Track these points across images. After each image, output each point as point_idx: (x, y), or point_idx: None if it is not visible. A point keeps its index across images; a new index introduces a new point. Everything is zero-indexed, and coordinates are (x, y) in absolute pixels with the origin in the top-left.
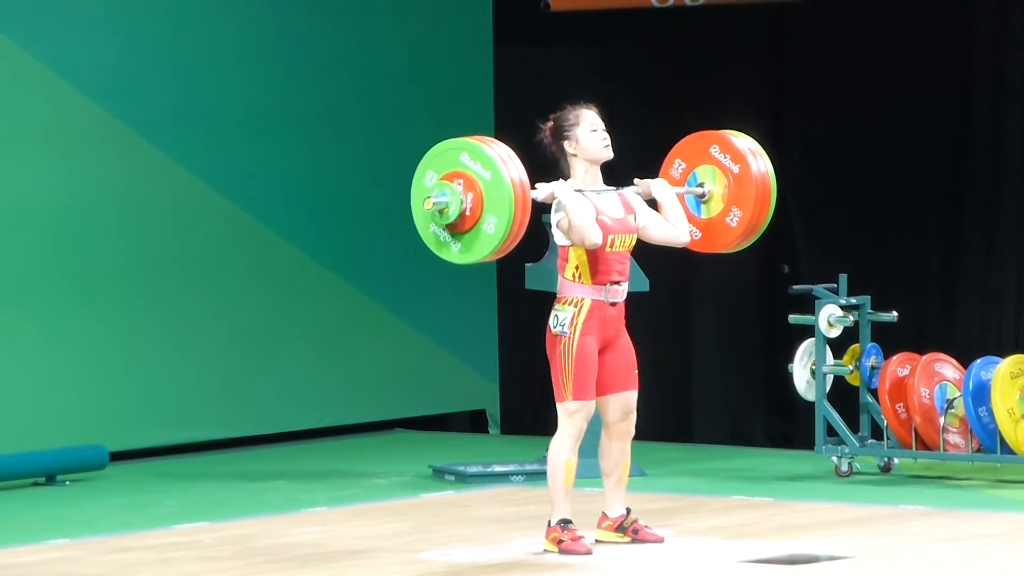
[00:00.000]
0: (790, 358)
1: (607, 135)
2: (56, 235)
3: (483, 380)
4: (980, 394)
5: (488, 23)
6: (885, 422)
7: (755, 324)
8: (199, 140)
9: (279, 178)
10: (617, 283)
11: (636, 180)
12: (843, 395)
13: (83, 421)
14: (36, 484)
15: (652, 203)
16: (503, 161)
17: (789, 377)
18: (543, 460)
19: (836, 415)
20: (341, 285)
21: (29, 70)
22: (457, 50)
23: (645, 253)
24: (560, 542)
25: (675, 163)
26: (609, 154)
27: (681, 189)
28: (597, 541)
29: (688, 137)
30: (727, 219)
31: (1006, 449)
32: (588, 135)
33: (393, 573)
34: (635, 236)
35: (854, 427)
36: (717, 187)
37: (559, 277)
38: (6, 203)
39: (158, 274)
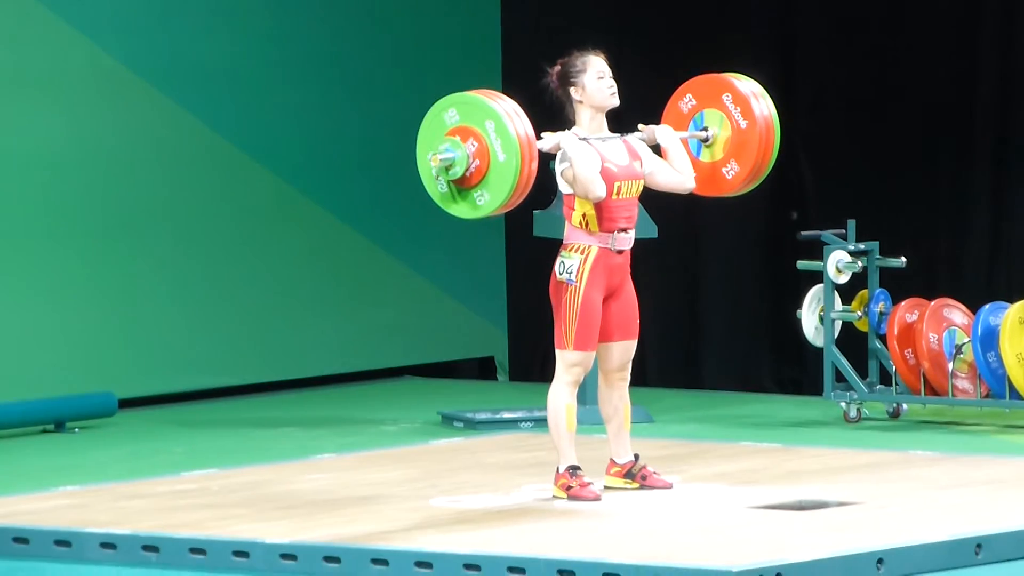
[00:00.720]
0: (799, 304)
1: (614, 82)
2: (62, 181)
3: (491, 327)
4: (989, 339)
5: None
6: (894, 368)
7: (763, 270)
8: (208, 88)
9: (288, 126)
10: (624, 230)
11: (640, 126)
12: (852, 341)
13: (91, 368)
14: (45, 431)
15: (656, 149)
16: (509, 115)
17: (798, 323)
18: None
19: (845, 361)
20: (350, 233)
21: (42, 18)
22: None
23: (653, 199)
24: (569, 488)
25: (686, 96)
26: (615, 101)
27: (685, 134)
28: (606, 487)
29: (703, 76)
30: (724, 169)
31: (1015, 394)
32: (595, 82)
33: (402, 520)
34: (642, 182)
35: (863, 373)
36: (721, 133)
37: (566, 224)
38: (10, 149)
39: (166, 222)
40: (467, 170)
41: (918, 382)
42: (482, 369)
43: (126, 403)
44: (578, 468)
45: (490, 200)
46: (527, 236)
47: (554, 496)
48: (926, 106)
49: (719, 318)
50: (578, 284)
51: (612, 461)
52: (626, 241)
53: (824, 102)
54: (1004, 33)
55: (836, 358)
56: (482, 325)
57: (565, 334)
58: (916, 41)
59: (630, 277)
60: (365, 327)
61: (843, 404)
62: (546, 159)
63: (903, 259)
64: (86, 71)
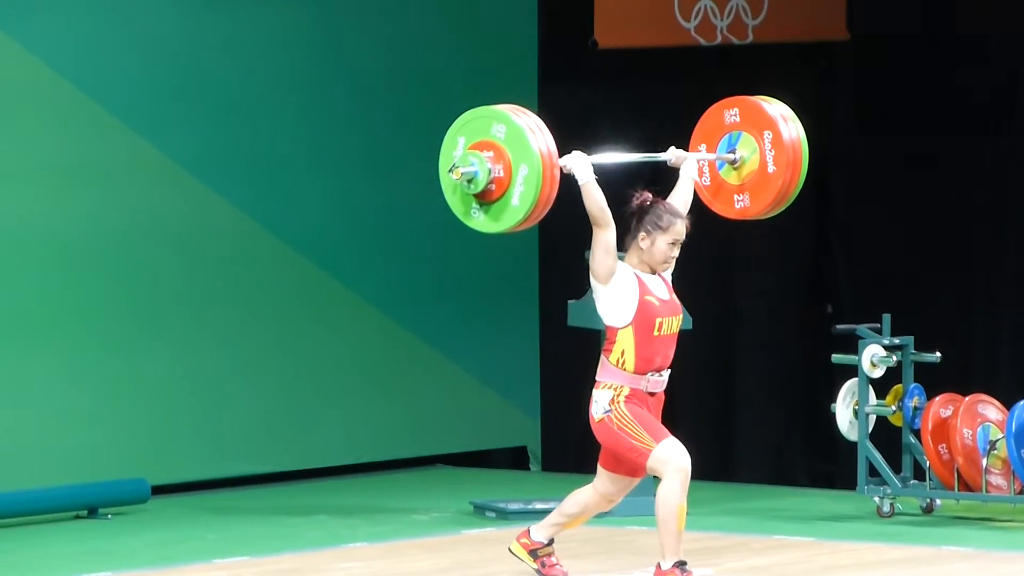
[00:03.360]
0: (833, 398)
1: (676, 255)
2: (101, 269)
3: (525, 416)
4: (1023, 435)
5: (534, 59)
6: (927, 463)
7: (798, 363)
8: (245, 177)
9: (322, 211)
10: (658, 371)
11: (672, 148)
12: (886, 435)
13: (125, 455)
14: (78, 517)
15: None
16: (532, 131)
17: (832, 417)
18: None
19: (878, 455)
20: (384, 320)
21: (78, 105)
22: (503, 87)
23: (689, 292)
24: None
25: (733, 110)
26: (666, 268)
27: (712, 156)
28: (510, 551)
29: (757, 100)
30: (736, 197)
31: None
32: (664, 246)
33: None
34: (681, 318)
35: (896, 468)
36: (748, 165)
37: (603, 359)
38: (54, 237)
39: (203, 310)
40: (488, 184)
41: (952, 477)
42: (515, 459)
43: (159, 489)
44: (684, 564)
45: (526, 194)
46: (561, 325)
47: None
48: (961, 202)
49: (753, 411)
50: (616, 407)
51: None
52: (659, 384)
53: (859, 196)
54: None
55: (870, 452)
56: (515, 414)
57: (639, 443)
58: (951, 133)
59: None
60: (397, 415)
61: (876, 499)
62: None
63: (938, 354)
64: (117, 157)
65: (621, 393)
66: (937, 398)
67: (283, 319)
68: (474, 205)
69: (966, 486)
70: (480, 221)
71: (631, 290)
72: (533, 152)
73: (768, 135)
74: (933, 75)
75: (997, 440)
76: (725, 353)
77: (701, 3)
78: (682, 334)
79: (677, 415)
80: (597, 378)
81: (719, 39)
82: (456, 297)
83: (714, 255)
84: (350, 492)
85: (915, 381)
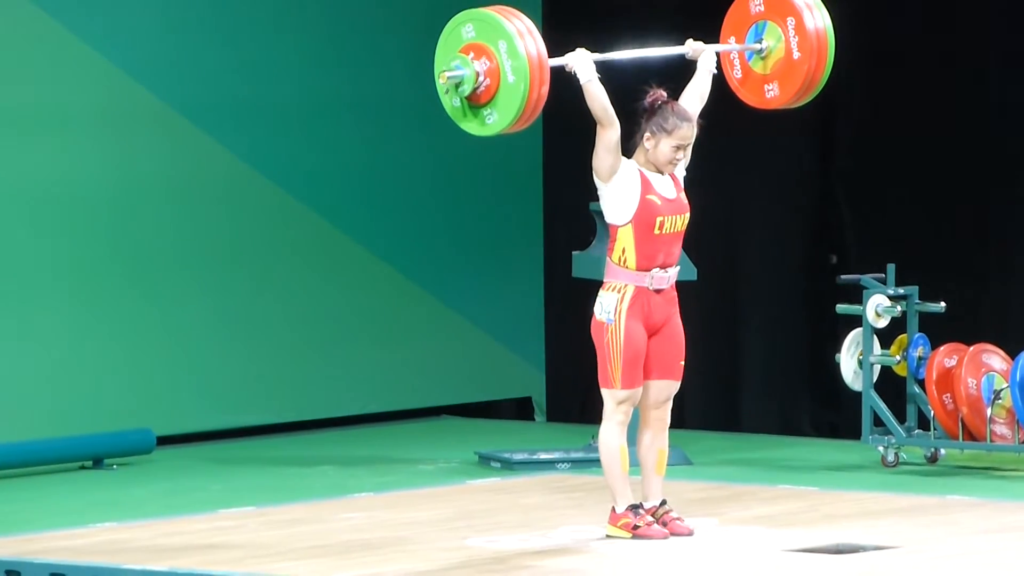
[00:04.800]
0: (837, 348)
1: (685, 158)
2: (107, 220)
3: (530, 368)
4: None
5: (538, 11)
6: (932, 412)
7: (802, 314)
8: (250, 127)
9: (330, 166)
10: (664, 268)
11: (690, 41)
12: (890, 385)
13: (130, 405)
14: (83, 468)
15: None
16: (520, 34)
17: (836, 367)
18: (589, 448)
19: (883, 405)
20: (389, 272)
21: (80, 55)
22: None
23: (693, 242)
24: (636, 528)
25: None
26: (671, 170)
27: (738, 47)
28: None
29: None
30: (766, 86)
31: None
32: (668, 149)
33: (438, 560)
34: (687, 216)
35: (901, 417)
36: (774, 53)
37: (607, 259)
38: (59, 187)
39: (207, 259)
40: (476, 88)
41: (956, 427)
42: (520, 409)
43: (164, 440)
44: (639, 506)
45: (498, 120)
46: (566, 276)
47: (609, 535)
48: (971, 149)
49: (758, 361)
50: (616, 322)
51: (640, 505)
52: (664, 280)
53: (864, 143)
54: None
55: (874, 402)
56: (520, 365)
57: (611, 373)
58: (962, 78)
59: (678, 314)
60: (403, 366)
61: (881, 448)
62: (562, 89)
63: (943, 304)
64: (120, 106)
65: (625, 295)
66: (941, 348)
67: (289, 270)
68: (465, 107)
69: (970, 435)
70: (473, 124)
71: (633, 188)
72: (520, 54)
73: (791, 21)
74: (935, 25)
75: (1001, 390)
76: (729, 304)
77: None
78: (687, 285)
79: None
80: (604, 278)
81: None
82: (461, 248)
83: (718, 205)
84: (355, 443)
85: (920, 331)
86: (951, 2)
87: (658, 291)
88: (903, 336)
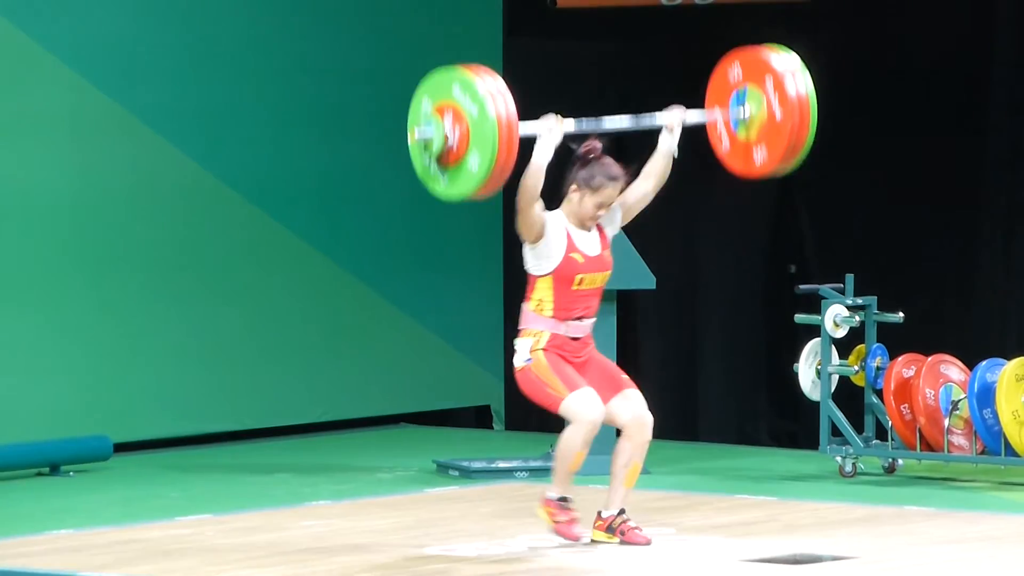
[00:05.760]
0: (796, 358)
1: (604, 215)
2: (64, 226)
3: (488, 376)
4: (985, 396)
5: (498, 16)
6: (890, 423)
7: (761, 323)
8: (208, 133)
9: (287, 172)
10: (580, 319)
11: (671, 110)
12: (848, 395)
13: (87, 412)
14: (40, 474)
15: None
16: (492, 96)
17: (794, 377)
18: (547, 456)
19: (841, 415)
20: (348, 279)
21: (41, 61)
22: (467, 43)
23: (652, 251)
24: (557, 521)
25: (735, 65)
26: (592, 225)
27: (708, 118)
28: (593, 541)
29: (752, 49)
30: (754, 151)
31: (1010, 451)
32: (590, 207)
33: (396, 568)
34: (608, 274)
35: (859, 427)
36: (758, 116)
37: (524, 306)
38: (15, 193)
39: (165, 266)
40: (443, 150)
41: (914, 437)
42: (478, 418)
43: (121, 447)
44: (567, 499)
45: (462, 184)
46: (525, 285)
47: (537, 515)
48: (932, 160)
49: (716, 370)
50: (535, 357)
51: (598, 514)
52: (580, 329)
53: (824, 154)
54: (1015, 95)
55: (832, 412)
56: (479, 374)
57: (553, 392)
58: (918, 94)
59: (594, 348)
60: (361, 374)
61: (839, 458)
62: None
63: (900, 314)
64: (81, 113)
65: (540, 339)
66: (900, 358)
67: (248, 277)
68: (434, 168)
69: (928, 446)
70: (440, 186)
71: (557, 247)
72: (490, 117)
73: (770, 80)
74: (896, 34)
75: (959, 400)
76: (688, 313)
77: None
78: (645, 294)
79: (641, 375)
80: (519, 326)
81: None
82: (421, 257)
83: (677, 214)
84: (313, 450)
85: (878, 341)
86: (905, 17)
87: (574, 338)
88: (861, 346)
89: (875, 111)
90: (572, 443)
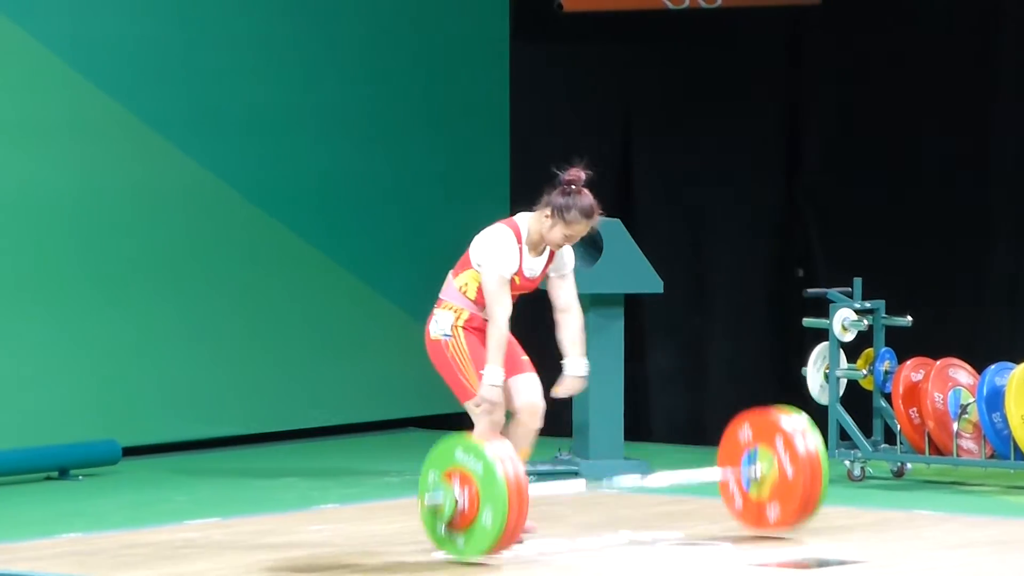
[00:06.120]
0: (804, 361)
1: (570, 244)
2: (71, 229)
3: None
4: (994, 400)
5: (504, 19)
6: (898, 427)
7: (769, 327)
8: (214, 136)
9: (295, 175)
10: None
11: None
12: (857, 399)
13: (96, 416)
14: (49, 478)
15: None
16: (500, 460)
17: (803, 380)
18: (556, 460)
19: (849, 419)
20: (355, 283)
21: (46, 64)
22: (473, 46)
23: (659, 253)
24: None
25: (744, 427)
26: (556, 249)
27: (726, 475)
28: None
29: (760, 410)
30: (767, 508)
31: (1019, 455)
32: (559, 235)
33: (404, 571)
34: (535, 288)
35: (867, 431)
36: (769, 474)
37: (449, 277)
38: (23, 196)
39: (173, 270)
40: (454, 515)
41: (922, 441)
42: None
43: (130, 451)
44: None
45: (474, 545)
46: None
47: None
48: (938, 164)
49: (723, 374)
50: (455, 335)
51: None
52: None
53: (831, 158)
54: (1020, 99)
55: (840, 416)
56: None
57: (466, 381)
58: (925, 97)
59: None
60: (369, 378)
61: (847, 462)
62: (528, 80)
63: (909, 318)
64: (84, 115)
65: (461, 316)
66: (908, 362)
67: (257, 281)
68: (446, 531)
69: (937, 450)
70: (457, 548)
71: (508, 268)
72: (499, 480)
73: (779, 439)
74: (902, 39)
75: (968, 404)
76: (695, 316)
77: None
78: (652, 298)
79: (648, 378)
80: (441, 296)
81: (687, 2)
82: (427, 259)
83: (684, 219)
84: (321, 455)
85: (886, 345)
86: (915, 18)
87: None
88: (870, 350)
89: (883, 113)
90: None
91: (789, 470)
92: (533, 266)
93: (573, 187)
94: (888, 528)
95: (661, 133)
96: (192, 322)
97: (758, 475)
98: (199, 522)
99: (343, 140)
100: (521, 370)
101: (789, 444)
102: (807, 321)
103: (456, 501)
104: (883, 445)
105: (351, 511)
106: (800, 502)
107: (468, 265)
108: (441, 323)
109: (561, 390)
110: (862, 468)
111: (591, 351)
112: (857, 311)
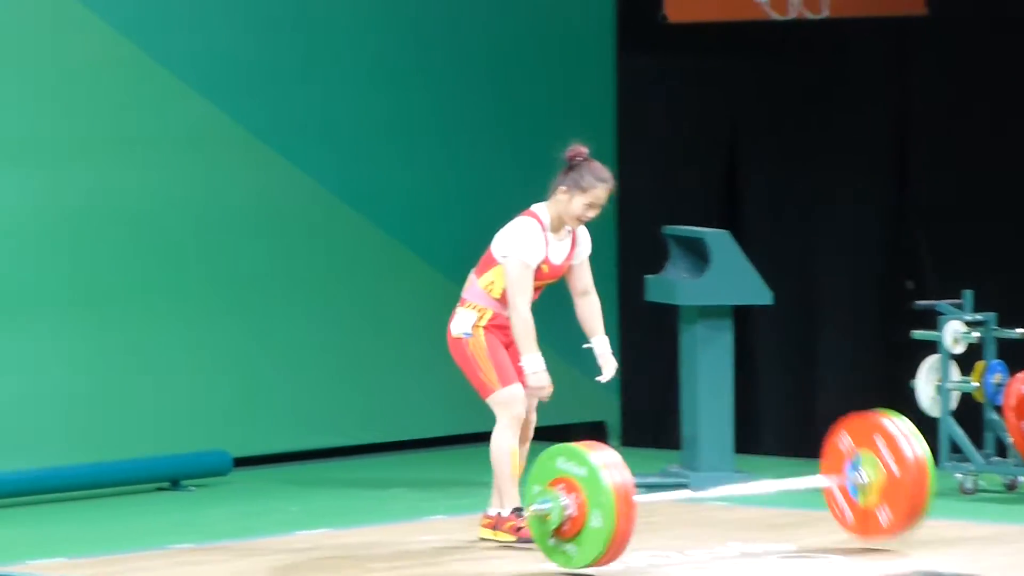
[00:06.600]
0: (914, 374)
1: (594, 215)
2: (194, 239)
3: (603, 391)
4: None
5: (610, 32)
6: (1010, 439)
7: (878, 339)
8: (317, 144)
9: (406, 189)
10: None
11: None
12: (968, 412)
13: (207, 426)
14: (160, 489)
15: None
16: (605, 466)
17: (913, 393)
18: (664, 473)
19: (961, 432)
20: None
21: (164, 81)
22: (579, 59)
23: (768, 265)
24: (519, 529)
25: (842, 435)
26: (578, 225)
27: (831, 485)
28: (481, 539)
29: (858, 416)
30: (877, 513)
31: None
32: (579, 206)
33: None
34: (562, 275)
35: (979, 444)
36: (876, 478)
37: (472, 277)
38: (145, 207)
39: (284, 281)
40: (563, 522)
41: None
42: (593, 433)
43: (241, 462)
44: (521, 509)
45: (582, 554)
46: (639, 300)
47: (482, 538)
48: None
49: (833, 386)
50: (475, 334)
51: (496, 513)
52: None
53: (940, 170)
54: None
55: (952, 429)
56: (594, 389)
57: (485, 379)
58: None
59: None
60: None
61: (959, 475)
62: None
63: (1020, 330)
64: (192, 128)
65: (484, 316)
66: (1019, 374)
67: (362, 293)
68: (555, 541)
69: None
70: (569, 557)
71: (535, 256)
72: (604, 483)
73: (881, 441)
74: (1011, 46)
75: None
76: (806, 328)
77: None
78: (761, 310)
79: (757, 389)
80: (463, 295)
81: (793, 13)
82: None
83: (794, 231)
84: (429, 465)
85: (998, 357)
86: None
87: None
88: (981, 362)
89: (993, 123)
90: (504, 443)
91: (896, 470)
92: (559, 251)
93: (578, 158)
94: (1000, 542)
95: (768, 144)
96: (304, 333)
97: (864, 480)
98: (310, 532)
99: (456, 156)
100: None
101: (891, 443)
102: (917, 333)
103: (564, 508)
104: (995, 458)
105: (460, 522)
106: (910, 500)
107: (492, 263)
108: (463, 322)
109: (607, 371)
110: (974, 481)
111: (700, 363)
112: (967, 323)
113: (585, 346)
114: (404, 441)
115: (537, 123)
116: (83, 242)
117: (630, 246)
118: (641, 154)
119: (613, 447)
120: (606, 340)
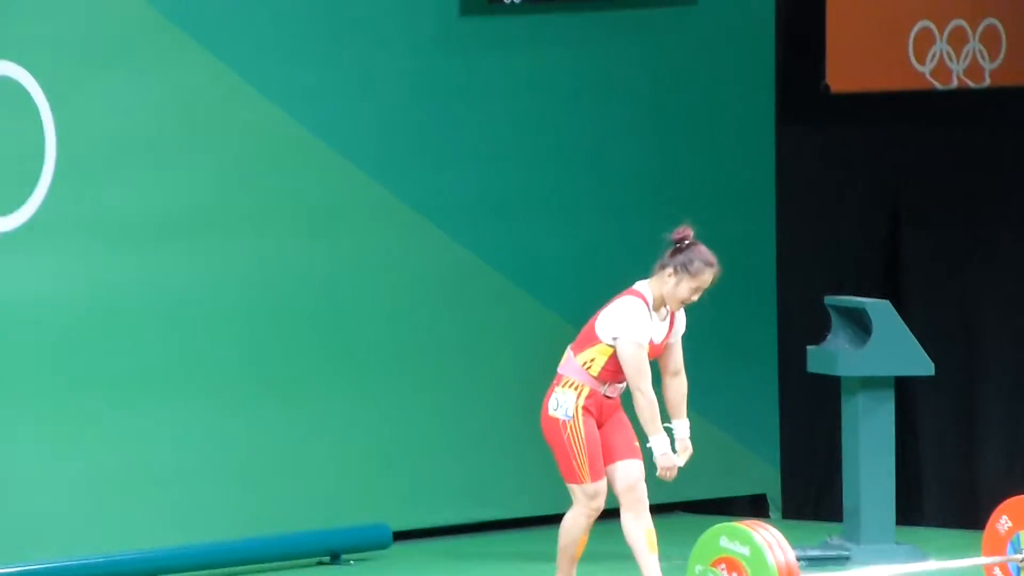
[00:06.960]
0: None
1: (697, 299)
2: (328, 312)
3: (764, 464)
4: None
5: (771, 102)
6: None
7: None
8: (476, 219)
9: (552, 255)
10: (620, 382)
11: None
12: None
13: (366, 500)
14: (320, 563)
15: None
16: (768, 545)
17: None
18: (825, 545)
19: None
20: None
21: (308, 146)
22: (739, 129)
23: (929, 336)
24: None
25: (1002, 519)
26: (680, 307)
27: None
28: None
29: (1019, 499)
30: None
31: None
32: (685, 290)
33: None
34: (661, 353)
35: None
36: None
37: (569, 353)
38: (274, 280)
39: (435, 352)
40: None
41: None
42: (755, 506)
43: (400, 535)
44: None
45: None
46: (801, 371)
47: None
48: None
49: (998, 455)
50: (575, 419)
51: None
52: (617, 391)
53: None
54: None
55: None
56: (755, 461)
57: (578, 468)
58: None
59: (621, 408)
60: None
61: None
62: (795, 171)
63: None
64: (354, 203)
65: (582, 394)
66: None
67: (521, 364)
68: None
69: None
70: None
71: (646, 336)
72: (769, 564)
73: None
74: None
75: None
76: (967, 400)
77: (936, 46)
78: (919, 382)
79: (920, 460)
80: (560, 371)
81: (955, 82)
82: (695, 341)
83: (955, 300)
84: (593, 538)
85: None
86: None
87: (608, 397)
88: None
89: None
90: (575, 530)
91: None
92: (659, 331)
93: (686, 242)
94: None
95: (930, 213)
96: (458, 405)
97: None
98: None
99: (608, 224)
100: (634, 456)
101: None
102: None
103: None
104: None
105: None
106: None
107: (593, 340)
108: (564, 403)
109: (683, 457)
110: None
111: (862, 434)
112: None
113: (665, 425)
114: (561, 514)
115: (698, 194)
116: (253, 314)
117: (790, 315)
118: (802, 223)
119: (773, 520)
120: (687, 424)
